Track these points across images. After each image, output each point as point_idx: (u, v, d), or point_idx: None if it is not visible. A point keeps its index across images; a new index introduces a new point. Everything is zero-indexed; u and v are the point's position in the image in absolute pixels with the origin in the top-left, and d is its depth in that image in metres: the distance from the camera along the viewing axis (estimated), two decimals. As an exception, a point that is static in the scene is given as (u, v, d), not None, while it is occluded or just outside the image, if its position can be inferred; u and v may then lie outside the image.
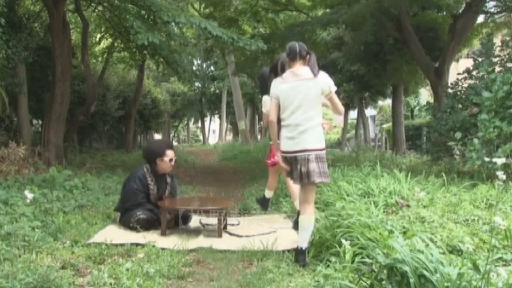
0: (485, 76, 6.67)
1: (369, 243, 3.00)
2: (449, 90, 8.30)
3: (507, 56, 7.24)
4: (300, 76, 3.35)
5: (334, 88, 3.39)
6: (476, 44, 12.25)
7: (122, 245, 3.63)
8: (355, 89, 16.13)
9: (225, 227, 4.33)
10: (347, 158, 9.29)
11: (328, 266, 2.99)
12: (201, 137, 38.24)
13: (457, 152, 7.63)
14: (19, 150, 6.60)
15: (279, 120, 3.52)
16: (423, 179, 5.63)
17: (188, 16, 8.14)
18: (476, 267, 2.11)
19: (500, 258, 3.05)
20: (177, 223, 4.33)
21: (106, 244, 3.61)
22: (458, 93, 7.92)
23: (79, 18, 10.61)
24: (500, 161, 2.20)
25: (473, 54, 11.62)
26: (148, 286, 2.80)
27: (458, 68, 9.94)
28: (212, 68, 30.56)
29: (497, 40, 9.73)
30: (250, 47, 8.36)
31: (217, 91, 30.09)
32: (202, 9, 17.08)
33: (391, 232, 3.24)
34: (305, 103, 3.32)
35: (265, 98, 4.44)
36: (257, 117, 29.52)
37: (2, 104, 7.12)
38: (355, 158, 9.02)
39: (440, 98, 9.72)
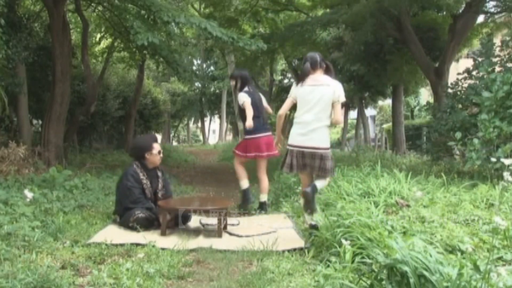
0: (485, 76, 6.66)
1: (369, 243, 2.99)
2: (449, 90, 8.28)
3: (507, 56, 7.21)
4: (319, 82, 3.90)
5: (342, 99, 3.90)
6: (476, 44, 12.24)
7: (122, 245, 3.63)
8: (355, 89, 16.09)
9: (225, 227, 4.34)
10: (347, 158, 9.28)
11: (328, 266, 2.99)
12: (201, 137, 38.17)
13: (457, 152, 7.61)
14: (19, 150, 6.59)
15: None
16: (423, 179, 5.61)
17: (188, 16, 8.13)
18: (476, 267, 2.11)
19: (500, 258, 3.05)
20: (177, 223, 4.33)
21: (106, 244, 3.61)
22: (458, 93, 7.90)
23: (79, 18, 10.58)
24: (508, 161, 2.20)
25: (473, 54, 11.60)
26: (148, 286, 2.80)
27: (458, 68, 9.93)
28: (212, 68, 30.49)
29: (497, 40, 9.70)
30: (250, 47, 8.36)
31: (217, 91, 30.00)
32: (202, 9, 17.07)
33: (391, 232, 3.24)
34: (318, 105, 3.84)
35: (241, 94, 5.31)
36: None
37: (2, 104, 7.11)
38: (355, 158, 9.01)
39: (440, 98, 9.71)
